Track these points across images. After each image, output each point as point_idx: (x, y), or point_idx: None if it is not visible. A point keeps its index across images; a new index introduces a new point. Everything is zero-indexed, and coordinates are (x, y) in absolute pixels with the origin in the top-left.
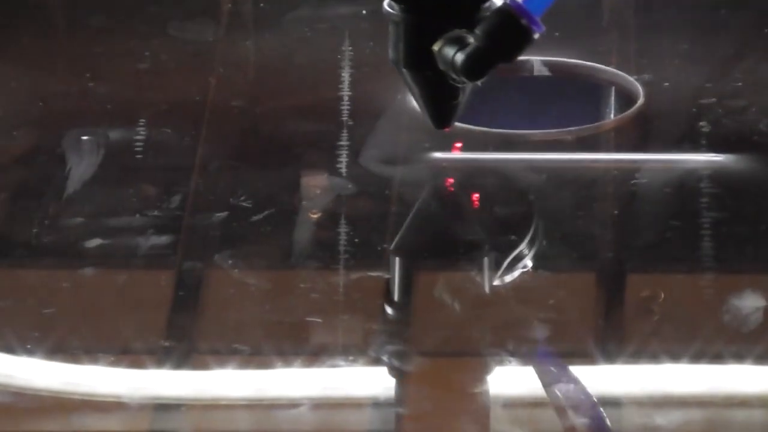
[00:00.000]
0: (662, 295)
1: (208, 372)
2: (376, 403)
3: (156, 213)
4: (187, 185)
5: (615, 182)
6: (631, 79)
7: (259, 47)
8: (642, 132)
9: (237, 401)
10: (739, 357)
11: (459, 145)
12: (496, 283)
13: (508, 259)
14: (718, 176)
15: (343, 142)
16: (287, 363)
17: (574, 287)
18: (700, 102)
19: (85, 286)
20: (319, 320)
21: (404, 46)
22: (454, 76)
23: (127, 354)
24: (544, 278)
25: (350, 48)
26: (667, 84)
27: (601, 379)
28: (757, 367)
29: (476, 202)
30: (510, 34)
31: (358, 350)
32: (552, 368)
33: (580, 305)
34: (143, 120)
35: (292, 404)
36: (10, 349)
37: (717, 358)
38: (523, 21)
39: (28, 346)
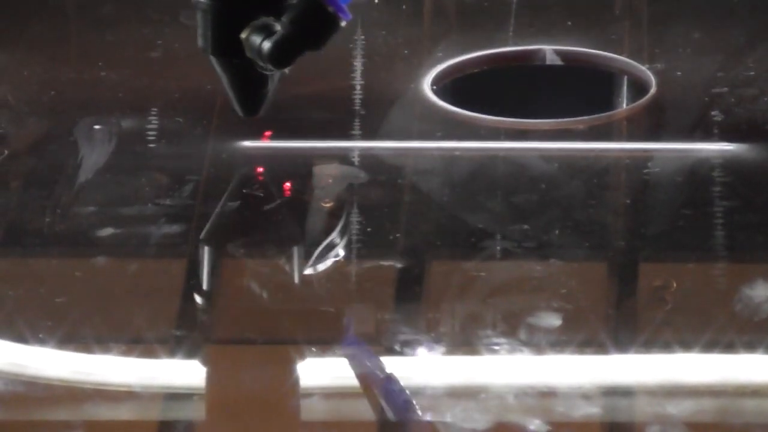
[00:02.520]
0: (674, 285)
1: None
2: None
3: (168, 202)
4: (199, 173)
5: (627, 171)
6: (643, 68)
7: None
8: (654, 121)
9: (246, 398)
10: (751, 346)
11: (268, 133)
12: (307, 272)
13: (319, 249)
14: (730, 165)
15: (355, 131)
16: (299, 352)
17: (586, 276)
18: (712, 91)
19: (97, 275)
20: (331, 310)
21: (212, 33)
22: (261, 63)
23: (139, 343)
24: (556, 267)
25: (362, 37)
26: (679, 73)
27: (613, 368)
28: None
29: (288, 191)
30: (317, 21)
31: (370, 340)
32: (360, 355)
33: (592, 294)
34: (155, 108)
35: (304, 393)
36: (22, 338)
37: (729, 347)
38: (330, 8)
39: (40, 335)
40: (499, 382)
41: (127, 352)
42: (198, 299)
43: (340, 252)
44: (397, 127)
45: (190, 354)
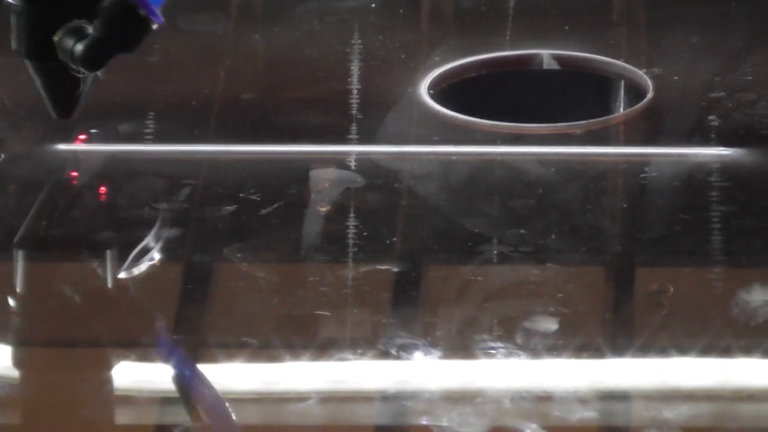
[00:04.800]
0: (671, 289)
1: (216, 365)
2: (385, 397)
3: (165, 206)
4: (196, 177)
5: (624, 176)
6: (640, 72)
7: (268, 40)
8: (651, 126)
9: (245, 394)
10: (747, 351)
11: (83, 137)
12: (122, 275)
13: (134, 252)
14: (727, 170)
15: (352, 135)
16: (296, 356)
17: (583, 281)
18: (709, 95)
19: (93, 279)
20: (328, 314)
21: (25, 36)
22: (74, 66)
23: (136, 347)
24: (552, 272)
25: (359, 41)
26: (676, 77)
27: (610, 372)
28: (765, 360)
29: (103, 195)
30: (128, 24)
31: (367, 344)
32: (174, 357)
33: (589, 299)
34: (152, 113)
35: (301, 398)
36: (18, 342)
37: (726, 351)
38: (141, 12)
39: (37, 339)
40: (495, 386)
41: (124, 356)
42: (12, 302)
43: (156, 255)
44: (394, 131)
45: (186, 357)
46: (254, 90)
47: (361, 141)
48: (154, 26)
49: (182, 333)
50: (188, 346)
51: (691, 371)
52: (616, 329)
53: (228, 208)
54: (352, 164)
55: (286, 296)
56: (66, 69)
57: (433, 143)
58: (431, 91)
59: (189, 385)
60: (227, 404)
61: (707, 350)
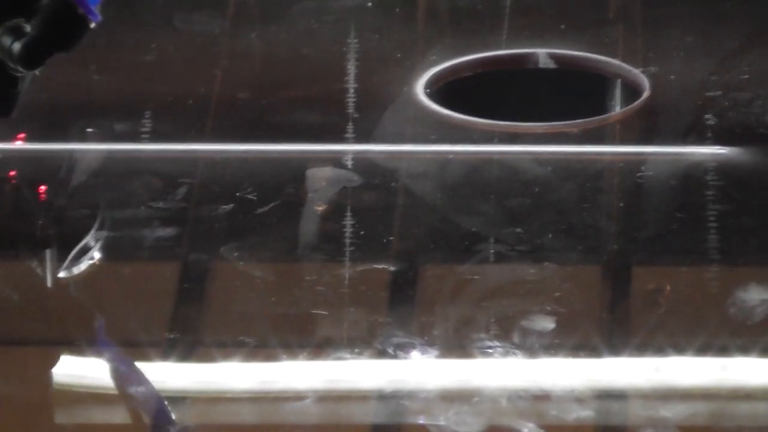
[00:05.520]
0: (668, 288)
1: (213, 364)
2: (382, 396)
3: (161, 205)
4: (193, 177)
5: (620, 175)
6: (636, 71)
7: (264, 39)
8: (648, 124)
9: (242, 394)
10: (744, 349)
11: (22, 135)
12: (62, 274)
13: (74, 252)
14: (723, 169)
15: (349, 134)
16: (292, 355)
17: (580, 280)
18: (705, 94)
19: (90, 278)
20: (325, 313)
21: None
22: (11, 65)
23: (132, 346)
24: (549, 270)
25: (356, 40)
26: (673, 76)
27: (607, 371)
28: (762, 359)
29: (43, 195)
30: (66, 23)
31: (363, 343)
32: (111, 356)
33: (586, 298)
34: (149, 112)
35: (298, 397)
36: (15, 341)
37: (722, 350)
38: (80, 10)
39: (34, 338)
40: (492, 385)
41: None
42: None
43: (96, 255)
44: (390, 130)
45: (183, 356)
46: (251, 89)
47: (358, 140)
48: (92, 25)
49: (179, 332)
50: (185, 345)
51: (688, 370)
52: (613, 328)
53: (225, 207)
54: (349, 163)
55: (283, 295)
56: (4, 67)
57: (429, 142)
58: (428, 90)
59: (126, 382)
60: (164, 400)
61: (704, 349)
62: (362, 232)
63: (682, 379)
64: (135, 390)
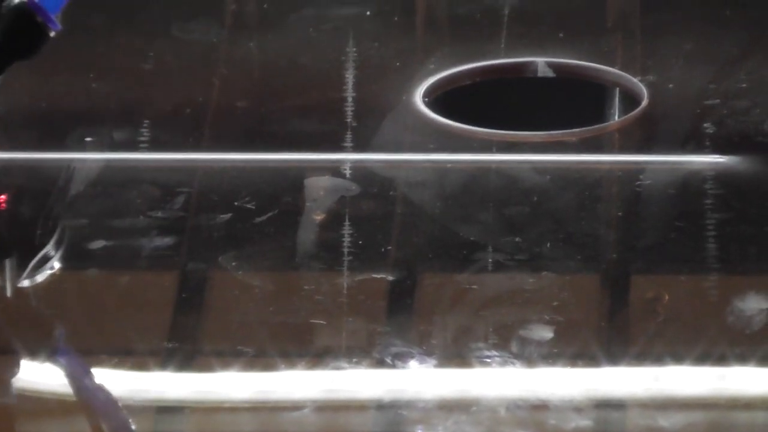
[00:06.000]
0: (667, 297)
1: (211, 374)
2: (380, 405)
3: (160, 214)
4: (191, 186)
5: (619, 183)
6: (635, 80)
7: (262, 48)
8: (646, 133)
9: (240, 403)
10: (743, 359)
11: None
12: (23, 284)
13: (34, 261)
14: (722, 177)
15: (347, 143)
16: (291, 365)
17: (578, 289)
18: (704, 103)
19: (88, 288)
20: (323, 322)
21: None
22: None
23: (130, 355)
24: (548, 280)
25: (354, 49)
26: (671, 85)
27: (605, 381)
28: (760, 369)
29: (3, 204)
30: (25, 31)
31: (362, 352)
32: (72, 366)
33: (584, 307)
34: (147, 120)
35: (296, 406)
36: (13, 351)
37: (721, 359)
38: (39, 19)
39: (31, 348)
40: (490, 394)
41: (118, 365)
42: None
43: (56, 264)
44: (389, 139)
45: (181, 366)
46: (249, 98)
47: (356, 149)
48: (52, 33)
49: (177, 341)
50: (183, 354)
51: (687, 379)
52: (612, 337)
53: (223, 216)
54: (347, 172)
55: (281, 305)
56: None
57: (428, 151)
58: (426, 99)
59: (86, 392)
60: (123, 410)
61: (703, 358)
62: (360, 242)
63: (681, 389)
64: (93, 398)
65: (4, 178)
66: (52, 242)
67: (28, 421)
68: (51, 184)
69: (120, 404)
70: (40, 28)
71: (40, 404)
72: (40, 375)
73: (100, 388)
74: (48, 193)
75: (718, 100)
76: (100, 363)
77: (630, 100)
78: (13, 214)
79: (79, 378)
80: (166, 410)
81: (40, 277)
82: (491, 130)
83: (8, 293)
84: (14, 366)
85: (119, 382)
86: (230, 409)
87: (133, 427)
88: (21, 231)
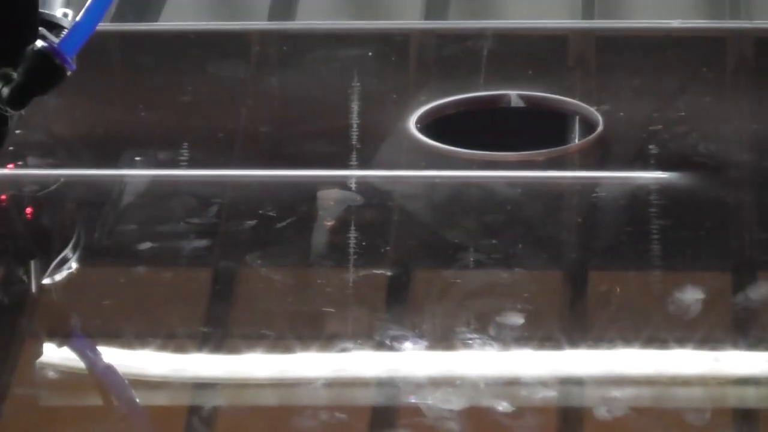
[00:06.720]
0: (618, 289)
1: (239, 355)
2: (380, 380)
3: (197, 221)
4: (223, 197)
5: (578, 195)
6: (592, 109)
7: (282, 83)
8: (601, 153)
9: (263, 380)
10: (682, 342)
11: (11, 166)
12: (45, 282)
13: (55, 262)
14: (664, 190)
15: (353, 162)
16: (305, 346)
17: (544, 283)
18: (649, 128)
19: (137, 282)
20: (332, 310)
21: None
22: (1, 106)
23: (172, 339)
24: (519, 275)
25: (358, 83)
26: (622, 113)
27: (567, 360)
28: (696, 351)
29: (30, 215)
30: (46, 71)
31: (365, 336)
32: (89, 350)
33: (550, 298)
34: (186, 143)
35: (309, 382)
36: (75, 335)
37: (664, 342)
38: (57, 61)
39: (90, 332)
40: (472, 371)
41: (162, 347)
42: None
43: (73, 265)
44: (387, 158)
45: (215, 348)
46: (270, 124)
47: (360, 167)
48: (68, 73)
49: (211, 326)
50: (216, 337)
51: (635, 359)
52: (572, 324)
53: (249, 222)
54: (353, 186)
55: (298, 295)
56: None
57: (419, 169)
58: (418, 125)
59: (103, 376)
60: (131, 387)
61: (648, 342)
62: (363, 243)
63: (630, 367)
64: (110, 382)
65: (69, 190)
66: (70, 245)
67: (54, 396)
68: (106, 195)
69: (127, 383)
70: (58, 69)
71: (65, 382)
72: (68, 357)
73: (110, 368)
74: (104, 204)
75: (660, 126)
76: (147, 345)
77: (588, 126)
78: (76, 221)
79: (93, 360)
80: (201, 386)
81: (62, 275)
82: (473, 151)
83: (33, 289)
84: (61, 347)
85: (163, 361)
86: (255, 385)
87: (138, 401)
88: (111, 235)
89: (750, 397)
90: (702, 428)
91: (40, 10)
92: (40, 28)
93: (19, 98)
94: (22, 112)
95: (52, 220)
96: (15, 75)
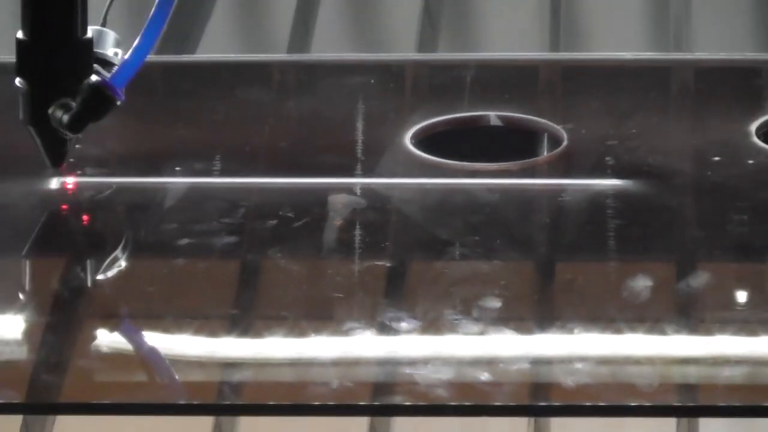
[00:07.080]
0: (580, 278)
1: (263, 336)
2: (382, 355)
3: (227, 221)
4: (249, 201)
5: (547, 199)
6: (558, 127)
7: (298, 105)
8: (566, 164)
9: (283, 360)
10: (634, 324)
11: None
12: (99, 277)
13: (107, 262)
14: (619, 195)
15: (358, 172)
16: (319, 328)
17: (519, 273)
18: (606, 143)
19: (176, 273)
20: (341, 296)
21: (29, 109)
22: (62, 131)
23: (207, 321)
24: (498, 266)
25: (363, 105)
26: (584, 131)
27: (538, 339)
28: (647, 334)
29: (86, 221)
30: (99, 101)
31: (368, 317)
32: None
33: (523, 286)
34: (218, 155)
35: (321, 359)
36: (123, 317)
37: (619, 324)
38: (108, 93)
39: (135, 315)
40: (459, 346)
41: (198, 329)
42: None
43: (123, 263)
44: (386, 169)
45: (243, 330)
46: (289, 140)
47: (364, 176)
48: (118, 103)
49: (239, 309)
50: (244, 320)
51: (595, 339)
52: (542, 308)
53: (271, 222)
54: (358, 192)
55: (313, 284)
56: (57, 133)
57: (414, 177)
58: (413, 141)
59: (147, 354)
60: (171, 366)
61: (606, 324)
62: (367, 240)
63: (590, 346)
64: (152, 358)
65: (120, 195)
66: (119, 247)
67: (106, 370)
68: (151, 200)
69: (168, 361)
70: (109, 100)
71: (115, 358)
72: (118, 338)
73: (153, 346)
74: (149, 207)
75: (616, 142)
76: (183, 327)
77: (555, 141)
78: (125, 223)
79: (138, 341)
80: (230, 365)
81: (113, 273)
82: (459, 162)
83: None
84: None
85: (197, 342)
86: (276, 363)
87: (177, 377)
88: (155, 233)
89: (691, 373)
90: (649, 394)
91: (95, 50)
92: (94, 65)
93: (77, 124)
94: (79, 135)
95: (105, 220)
96: (73, 105)
